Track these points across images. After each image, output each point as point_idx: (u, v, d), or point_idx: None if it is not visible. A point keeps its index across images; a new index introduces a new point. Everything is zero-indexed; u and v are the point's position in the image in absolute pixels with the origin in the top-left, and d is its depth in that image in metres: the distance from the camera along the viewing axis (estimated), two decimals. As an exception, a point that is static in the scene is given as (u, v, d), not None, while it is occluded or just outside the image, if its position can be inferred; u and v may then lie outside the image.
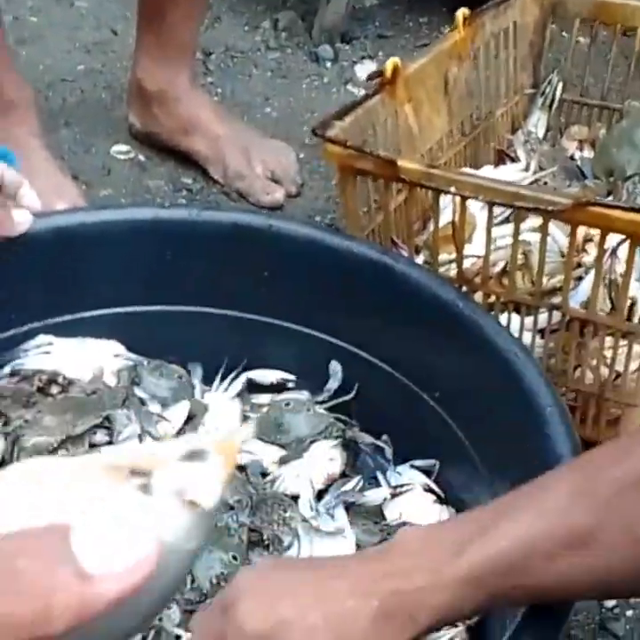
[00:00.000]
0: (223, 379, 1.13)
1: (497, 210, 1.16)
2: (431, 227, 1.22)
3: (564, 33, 1.75)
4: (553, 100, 1.55)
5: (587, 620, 1.02)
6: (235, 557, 0.91)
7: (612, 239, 1.13)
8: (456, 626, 0.89)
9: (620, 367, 1.13)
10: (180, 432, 1.07)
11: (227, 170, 1.56)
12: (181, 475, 0.60)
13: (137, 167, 1.61)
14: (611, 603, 1.04)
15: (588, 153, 1.51)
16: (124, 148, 1.64)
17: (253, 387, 1.14)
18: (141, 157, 1.63)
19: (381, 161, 1.08)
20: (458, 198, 1.11)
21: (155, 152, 1.62)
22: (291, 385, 1.14)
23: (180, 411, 1.08)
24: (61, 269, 1.06)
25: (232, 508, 0.95)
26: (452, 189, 1.05)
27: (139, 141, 1.64)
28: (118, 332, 1.10)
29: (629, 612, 1.04)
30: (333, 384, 1.11)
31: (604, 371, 1.14)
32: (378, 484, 1.01)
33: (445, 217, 1.21)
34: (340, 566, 0.63)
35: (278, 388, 1.14)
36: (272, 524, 0.94)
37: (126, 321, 1.10)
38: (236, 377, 1.13)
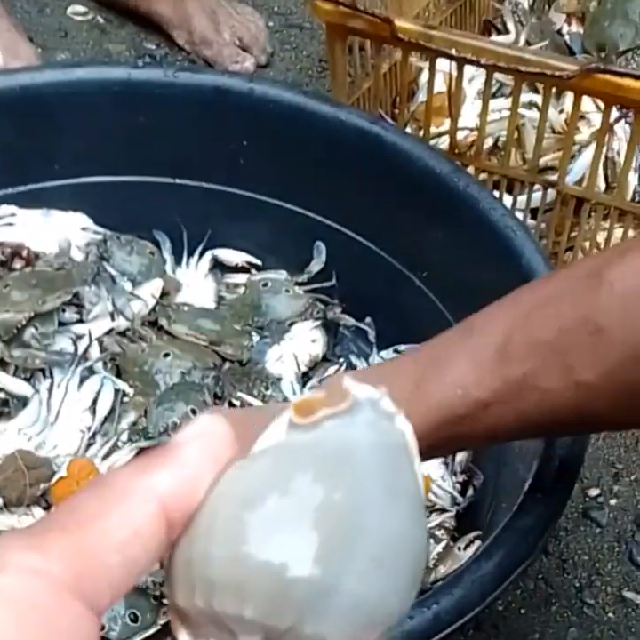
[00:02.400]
0: (191, 255, 1.06)
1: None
2: (419, 98, 1.16)
3: None
4: (540, -31, 1.46)
5: (570, 509, 0.99)
6: (194, 411, 0.88)
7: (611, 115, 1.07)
8: (446, 511, 0.87)
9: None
10: (153, 311, 1.00)
11: (193, 35, 1.45)
12: None
13: (96, 30, 1.50)
14: (594, 491, 1.02)
15: (576, 27, 1.43)
16: (81, 8, 1.52)
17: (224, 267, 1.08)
18: (100, 19, 1.51)
19: (376, 20, 1.00)
20: (453, 64, 1.04)
21: (114, 14, 1.51)
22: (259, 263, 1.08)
23: (152, 288, 1.01)
24: (24, 133, 0.97)
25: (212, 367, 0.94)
26: (453, 51, 0.97)
27: (97, 2, 1.52)
28: (85, 203, 1.03)
29: (613, 501, 1.01)
30: (316, 266, 1.05)
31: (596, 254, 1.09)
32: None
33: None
34: None
35: (243, 270, 1.08)
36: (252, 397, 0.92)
37: (94, 192, 1.02)
38: (203, 253, 1.07)
